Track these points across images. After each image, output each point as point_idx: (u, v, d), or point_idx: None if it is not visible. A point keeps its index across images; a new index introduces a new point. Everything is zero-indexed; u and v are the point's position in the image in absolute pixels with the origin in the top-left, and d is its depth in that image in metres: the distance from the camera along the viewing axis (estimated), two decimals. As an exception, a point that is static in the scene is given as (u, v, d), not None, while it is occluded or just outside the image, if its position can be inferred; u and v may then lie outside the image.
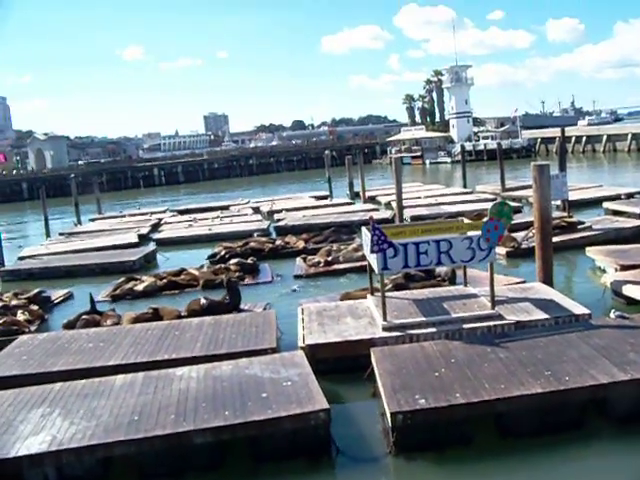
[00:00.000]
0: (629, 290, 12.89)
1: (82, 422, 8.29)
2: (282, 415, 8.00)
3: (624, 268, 14.73)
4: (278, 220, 30.57)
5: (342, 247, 20.39)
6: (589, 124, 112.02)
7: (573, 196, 25.21)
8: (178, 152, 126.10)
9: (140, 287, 17.80)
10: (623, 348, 9.40)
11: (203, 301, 14.31)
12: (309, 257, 20.07)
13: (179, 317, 13.77)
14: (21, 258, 25.33)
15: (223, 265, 19.56)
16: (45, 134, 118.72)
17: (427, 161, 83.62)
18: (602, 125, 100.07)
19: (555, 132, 70.57)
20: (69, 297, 18.50)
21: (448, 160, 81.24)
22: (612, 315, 11.10)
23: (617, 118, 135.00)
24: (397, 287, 14.15)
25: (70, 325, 14.00)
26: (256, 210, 36.98)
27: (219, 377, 9.46)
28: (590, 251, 16.64)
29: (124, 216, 40.72)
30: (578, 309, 11.41)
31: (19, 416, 8.70)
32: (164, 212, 41.26)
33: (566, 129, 60.30)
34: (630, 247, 16.63)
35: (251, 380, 9.22)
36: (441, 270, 14.98)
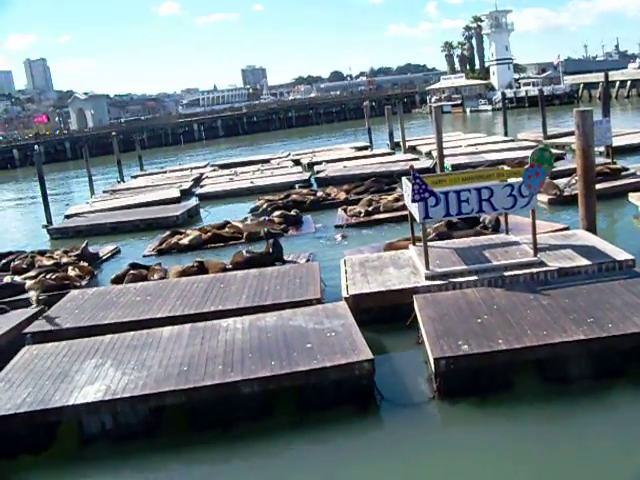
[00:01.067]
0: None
1: (134, 372, 8.56)
2: (327, 365, 8.12)
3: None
4: (319, 172, 30.56)
5: (383, 197, 20.37)
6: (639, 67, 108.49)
7: (617, 142, 24.67)
8: (217, 107, 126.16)
9: (185, 241, 18.04)
10: (669, 293, 9.27)
11: (245, 253, 14.47)
12: (350, 207, 20.09)
13: (224, 270, 13.96)
14: (68, 216, 25.86)
15: (267, 217, 19.70)
16: (85, 93, 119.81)
17: (468, 109, 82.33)
18: None
19: (598, 77, 68.73)
20: (116, 252, 18.85)
21: (489, 108, 79.89)
22: None
23: None
24: (440, 236, 14.12)
25: (118, 280, 14.29)
26: (296, 162, 36.98)
27: (264, 328, 9.62)
28: (633, 197, 16.34)
29: (166, 172, 41.06)
30: (621, 255, 11.25)
31: (74, 367, 9.03)
32: (205, 167, 41.51)
33: (610, 73, 58.61)
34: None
35: (295, 331, 9.36)
36: (485, 218, 14.88)
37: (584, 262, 11.10)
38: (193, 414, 8.13)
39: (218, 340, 9.35)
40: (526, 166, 11.28)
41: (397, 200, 19.47)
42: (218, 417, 8.05)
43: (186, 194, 29.48)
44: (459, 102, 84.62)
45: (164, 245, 18.12)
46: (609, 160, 22.17)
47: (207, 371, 8.29)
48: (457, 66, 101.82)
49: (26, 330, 11.04)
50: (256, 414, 8.11)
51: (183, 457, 7.62)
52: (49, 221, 24.25)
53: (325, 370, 8.08)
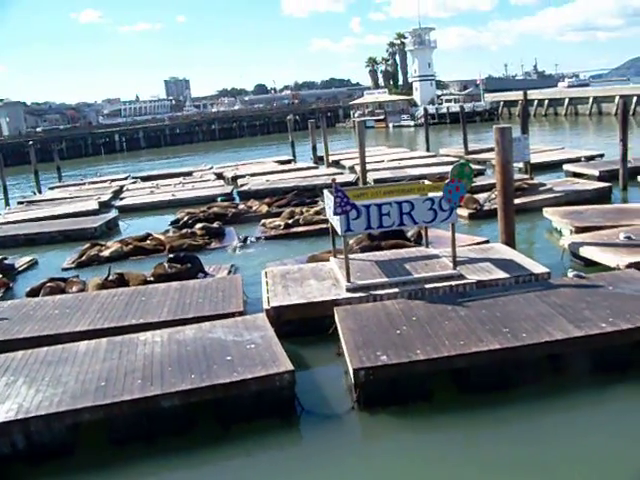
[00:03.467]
0: (586, 252, 13.18)
1: (48, 389, 8.33)
2: (247, 377, 8.13)
3: (579, 229, 15.04)
4: (241, 185, 30.52)
5: (305, 210, 20.53)
6: (569, 86, 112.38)
7: (535, 159, 25.56)
8: (139, 118, 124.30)
9: (106, 253, 17.72)
10: (579, 306, 9.68)
11: (167, 265, 14.35)
12: (270, 220, 20.22)
13: (145, 282, 13.79)
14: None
15: (189, 230, 19.57)
16: (0, 100, 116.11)
17: (390, 124, 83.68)
18: (582, 87, 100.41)
19: (518, 95, 71.03)
20: (33, 264, 18.37)
21: (411, 123, 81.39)
22: (569, 274, 11.38)
23: (583, 83, 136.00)
24: (363, 249, 14.33)
25: (34, 292, 13.92)
26: (219, 176, 36.77)
27: (183, 341, 9.55)
28: (547, 212, 16.94)
29: (84, 184, 40.18)
30: (537, 269, 11.69)
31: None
32: (125, 179, 40.82)
33: (529, 92, 60.76)
34: (585, 208, 16.96)
35: (215, 343, 9.33)
36: (407, 231, 15.17)
37: (502, 275, 11.48)
38: (112, 430, 8.00)
39: (136, 354, 9.22)
40: (446, 181, 11.59)
41: (318, 213, 19.73)
42: (138, 432, 7.93)
43: (105, 206, 28.92)
44: (382, 117, 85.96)
45: (84, 257, 17.75)
46: (527, 176, 22.92)
47: (125, 386, 8.17)
48: (381, 81, 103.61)
49: None
50: (177, 428, 8.04)
51: (103, 474, 7.49)
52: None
53: (245, 382, 8.09)
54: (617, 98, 58.65)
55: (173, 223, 21.61)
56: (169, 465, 7.55)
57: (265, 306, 11.05)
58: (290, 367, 8.30)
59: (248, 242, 18.51)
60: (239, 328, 9.90)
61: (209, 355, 8.90)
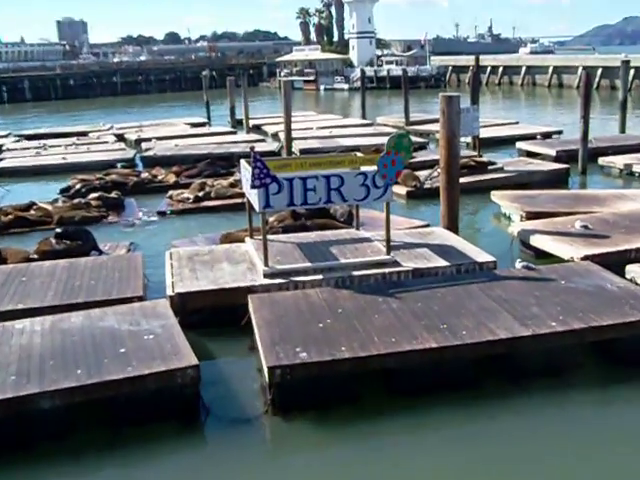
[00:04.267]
0: (537, 241, 13.47)
1: None
2: (144, 373, 8.04)
3: (530, 216, 15.35)
4: (146, 150, 30.15)
5: (218, 182, 20.45)
6: (532, 52, 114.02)
7: (485, 133, 25.96)
8: (24, 64, 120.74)
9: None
10: (527, 301, 9.91)
11: (53, 240, 14.05)
12: (178, 192, 20.10)
13: (27, 260, 13.46)
14: None
15: (82, 200, 19.19)
16: None
17: (322, 87, 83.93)
18: (546, 55, 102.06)
19: (469, 60, 72.29)
20: None
21: (346, 87, 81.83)
22: (518, 265, 11.62)
23: (547, 50, 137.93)
24: (285, 229, 14.35)
25: None
26: (120, 137, 36.15)
27: (68, 330, 9.36)
28: (495, 195, 17.25)
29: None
30: (482, 257, 11.93)
31: None
32: (6, 137, 39.65)
33: (481, 57, 61.69)
34: (538, 193, 17.34)
35: (107, 334, 9.19)
36: (336, 210, 15.24)
37: (441, 263, 11.68)
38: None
39: (11, 345, 8.97)
40: (382, 153, 11.65)
41: (233, 185, 19.71)
42: (12, 438, 7.74)
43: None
44: (313, 78, 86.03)
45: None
46: (475, 152, 23.30)
47: (-4, 384, 7.96)
48: (313, 37, 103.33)
49: None
50: (59, 432, 7.89)
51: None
52: None
53: (141, 378, 8.00)
54: (580, 69, 60.25)
55: (63, 191, 21.15)
56: (48, 475, 7.40)
57: (169, 292, 10.93)
58: (194, 362, 8.25)
59: (151, 216, 18.32)
60: (136, 316, 9.78)
61: (99, 347, 8.75)
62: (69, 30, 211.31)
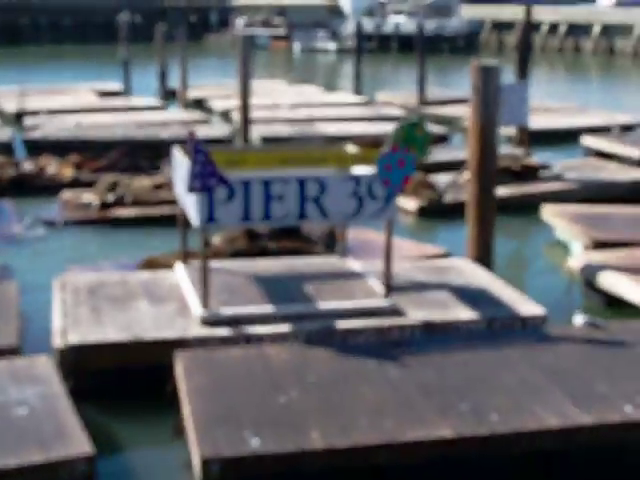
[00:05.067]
0: (608, 282, 13.47)
1: None
2: (8, 466, 7.91)
3: (599, 245, 15.32)
4: (30, 128, 30.15)
5: (137, 181, 20.41)
6: (618, 4, 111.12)
7: (536, 122, 26.02)
8: None
9: None
10: (589, 374, 9.90)
11: None
12: (76, 193, 20.08)
13: None
14: None
15: None
16: None
17: (297, 45, 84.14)
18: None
19: (516, 12, 72.33)
20: None
21: (333, 47, 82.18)
22: (578, 320, 11.65)
23: None
24: (237, 254, 14.34)
25: None
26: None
27: None
28: (548, 213, 17.28)
29: None
30: (525, 307, 11.94)
31: None
32: None
33: (536, 9, 61.29)
34: (612, 211, 17.37)
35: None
36: (311, 229, 15.24)
37: (466, 314, 11.69)
38: None
39: None
40: (384, 149, 11.65)
41: (159, 187, 19.61)
42: None
43: None
44: (284, 32, 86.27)
45: None
46: (521, 150, 23.38)
47: None
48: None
49: None
50: None
51: None
52: None
53: (7, 474, 7.87)
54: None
55: None
56: None
57: (57, 342, 10.83)
58: (88, 450, 8.16)
59: (35, 228, 18.26)
60: (3, 378, 9.70)
61: None
62: None
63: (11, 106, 35.36)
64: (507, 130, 23.27)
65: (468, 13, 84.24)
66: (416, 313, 11.65)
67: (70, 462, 8.03)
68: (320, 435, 8.50)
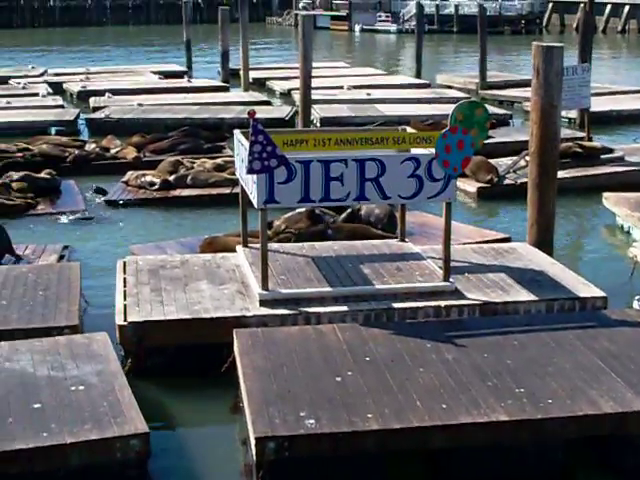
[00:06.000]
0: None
1: None
2: (65, 442, 7.97)
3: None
4: (95, 109, 30.39)
5: (200, 162, 20.45)
6: None
7: (598, 105, 25.77)
8: None
9: None
10: (648, 360, 9.81)
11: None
12: (139, 173, 20.17)
13: None
14: None
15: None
16: None
17: (357, 26, 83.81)
18: None
19: (579, -7, 71.70)
20: None
21: (393, 28, 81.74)
22: (637, 305, 11.52)
23: None
24: (298, 237, 14.38)
25: None
26: (57, 89, 36.32)
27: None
28: (609, 199, 17.09)
29: None
30: (585, 290, 11.84)
31: None
32: None
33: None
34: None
35: (15, 379, 9.20)
36: (370, 210, 15.21)
37: (525, 296, 11.61)
38: None
39: None
40: (444, 130, 11.56)
41: (221, 168, 19.61)
42: None
43: None
44: (344, 13, 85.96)
45: None
46: (583, 134, 23.16)
47: None
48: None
49: None
50: None
51: None
52: None
53: (62, 450, 7.94)
54: None
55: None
56: None
57: (118, 321, 10.91)
58: (143, 428, 8.20)
59: (98, 207, 18.41)
60: (62, 355, 9.77)
61: (3, 399, 8.75)
62: None
63: (75, 87, 35.73)
64: (569, 113, 23.01)
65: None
66: (474, 295, 11.57)
67: (124, 439, 8.08)
68: (375, 416, 8.46)
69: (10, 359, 9.67)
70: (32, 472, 7.92)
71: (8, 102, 31.75)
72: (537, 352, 9.97)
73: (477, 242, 14.50)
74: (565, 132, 19.94)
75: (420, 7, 48.02)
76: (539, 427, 8.53)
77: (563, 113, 16.06)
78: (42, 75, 40.68)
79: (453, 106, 11.75)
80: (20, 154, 21.69)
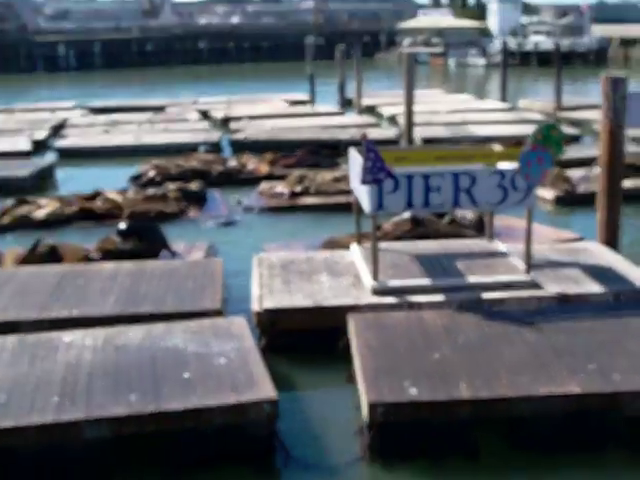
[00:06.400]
0: None
1: None
2: (209, 405, 8.08)
3: None
4: (235, 131, 30.65)
5: (320, 175, 20.55)
6: None
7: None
8: (96, 24, 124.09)
9: (40, 214, 17.73)
10: None
11: (118, 237, 14.38)
12: (271, 185, 20.29)
13: (87, 259, 13.83)
14: None
15: (157, 191, 19.59)
16: None
17: (452, 61, 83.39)
18: None
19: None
20: None
21: (482, 62, 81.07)
22: None
23: None
24: (401, 237, 14.36)
25: None
26: (204, 115, 36.90)
27: (124, 347, 9.52)
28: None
29: (13, 111, 40.40)
30: (650, 283, 11.58)
31: None
32: (72, 109, 40.96)
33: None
34: None
35: (169, 354, 9.31)
36: (463, 215, 15.16)
37: (595, 288, 11.34)
38: (11, 464, 7.90)
39: (56, 361, 9.18)
40: (525, 147, 11.43)
41: (338, 180, 19.67)
42: (44, 471, 7.90)
43: (40, 147, 29.00)
44: (441, 50, 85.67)
45: (8, 219, 17.70)
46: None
47: (35, 404, 8.12)
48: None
49: None
50: (104, 468, 7.98)
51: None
52: None
53: (206, 411, 8.06)
54: None
55: (134, 179, 21.68)
56: None
57: (255, 307, 11.04)
58: (272, 394, 8.25)
59: (237, 213, 18.54)
60: (208, 334, 9.87)
61: (159, 369, 8.88)
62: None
63: (219, 113, 36.22)
64: (633, 132, 22.51)
65: (598, 32, 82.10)
66: (552, 287, 11.35)
67: (257, 404, 8.14)
68: (467, 387, 8.41)
69: (166, 337, 9.80)
70: (181, 429, 8.04)
71: (165, 126, 32.39)
72: (607, 336, 9.75)
73: (554, 241, 14.26)
74: (630, 147, 19.55)
75: (505, 44, 47.72)
76: (607, 399, 8.37)
77: (629, 132, 15.66)
78: (193, 104, 41.28)
79: (533, 127, 11.62)
80: (175, 169, 22.01)
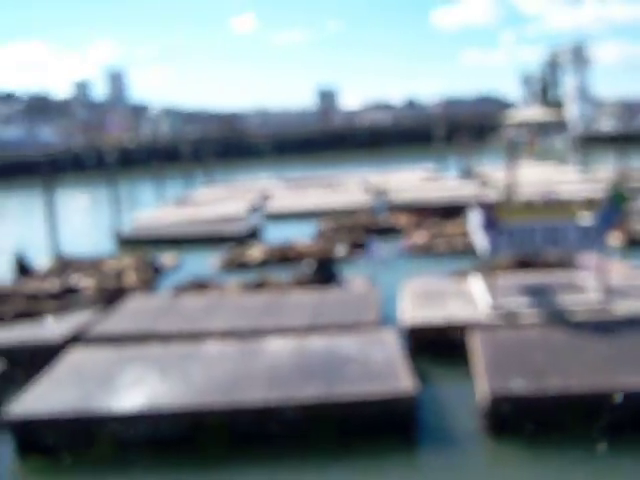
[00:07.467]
0: None
1: (176, 385, 8.57)
2: (370, 392, 8.06)
3: None
4: (386, 196, 30.38)
5: (445, 229, 20.29)
6: None
7: None
8: (288, 129, 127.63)
9: (253, 258, 18.13)
10: None
11: (307, 271, 14.63)
12: (413, 234, 20.04)
13: (284, 288, 14.01)
14: (135, 225, 26.05)
15: (334, 240, 19.75)
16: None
17: (541, 142, 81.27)
18: None
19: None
20: (179, 264, 18.94)
21: (564, 144, 78.66)
22: None
23: None
24: (509, 269, 14.00)
25: (178, 292, 14.34)
26: (365, 185, 36.70)
27: (308, 350, 9.57)
28: None
29: (232, 185, 41.60)
30: None
31: (118, 373, 9.10)
32: (272, 182, 41.93)
33: None
34: None
35: (340, 356, 9.28)
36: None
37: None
38: (232, 433, 8.04)
39: (263, 360, 9.36)
40: (601, 206, 11.03)
41: (462, 230, 19.16)
42: (255, 438, 8.00)
43: (252, 209, 29.64)
44: (532, 135, 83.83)
45: (231, 261, 18.16)
46: None
47: (249, 391, 8.31)
48: (532, 97, 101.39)
49: (79, 331, 11.26)
50: (294, 437, 7.99)
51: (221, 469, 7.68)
52: (117, 228, 24.34)
53: (368, 397, 8.02)
54: None
55: (320, 234, 21.73)
56: (285, 469, 7.59)
57: (402, 322, 10.95)
58: (413, 387, 8.15)
59: (390, 255, 18.36)
60: (368, 342, 9.81)
61: (332, 368, 8.88)
62: (323, 98, 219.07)
63: (374, 183, 35.73)
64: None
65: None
66: (624, 306, 10.74)
67: (402, 393, 8.07)
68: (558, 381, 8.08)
69: (337, 343, 9.80)
70: (350, 410, 8.00)
71: (339, 194, 32.34)
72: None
73: (625, 272, 13.35)
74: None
75: (580, 132, 46.28)
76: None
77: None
78: (359, 179, 40.94)
79: (605, 189, 11.27)
80: (346, 223, 22.01)
